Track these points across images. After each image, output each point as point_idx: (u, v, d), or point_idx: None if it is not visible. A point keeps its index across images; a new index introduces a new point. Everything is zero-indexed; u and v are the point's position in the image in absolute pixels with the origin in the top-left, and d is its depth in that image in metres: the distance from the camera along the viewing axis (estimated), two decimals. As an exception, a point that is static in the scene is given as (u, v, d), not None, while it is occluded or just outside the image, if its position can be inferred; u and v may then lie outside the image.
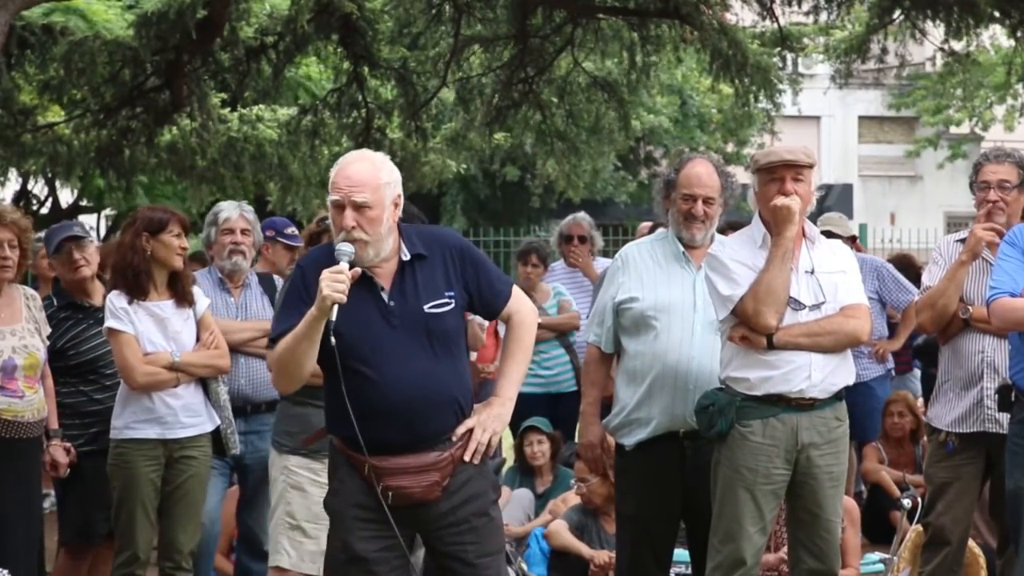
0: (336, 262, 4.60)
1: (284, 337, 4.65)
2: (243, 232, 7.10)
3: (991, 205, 6.18)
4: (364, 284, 4.68)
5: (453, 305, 4.77)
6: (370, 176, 4.69)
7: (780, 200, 5.45)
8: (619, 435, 5.95)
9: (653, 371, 5.80)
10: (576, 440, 9.41)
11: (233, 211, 7.17)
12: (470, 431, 4.76)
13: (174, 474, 6.29)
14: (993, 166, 6.22)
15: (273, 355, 4.72)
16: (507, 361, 4.94)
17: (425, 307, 4.72)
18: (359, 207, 4.65)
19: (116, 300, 6.23)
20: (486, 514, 4.83)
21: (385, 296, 4.68)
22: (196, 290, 6.46)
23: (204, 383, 6.38)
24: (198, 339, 6.37)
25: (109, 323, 6.22)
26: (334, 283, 4.53)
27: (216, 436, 6.42)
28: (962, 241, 6.24)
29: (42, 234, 9.37)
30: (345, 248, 4.61)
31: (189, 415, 6.30)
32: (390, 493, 4.67)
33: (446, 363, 4.77)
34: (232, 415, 6.76)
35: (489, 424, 4.79)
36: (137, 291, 6.24)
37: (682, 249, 5.89)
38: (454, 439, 4.74)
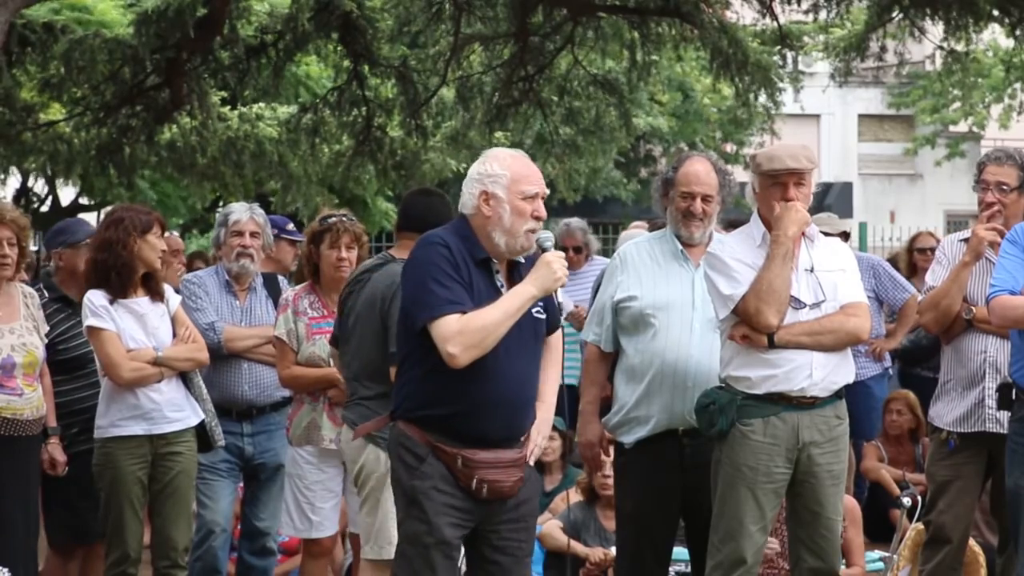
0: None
1: (483, 311, 4.68)
2: (252, 235, 7.07)
3: (990, 208, 6.18)
4: (487, 275, 4.83)
5: (544, 315, 4.96)
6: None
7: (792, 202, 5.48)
8: (618, 433, 5.95)
9: (652, 369, 5.80)
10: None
11: (243, 213, 7.14)
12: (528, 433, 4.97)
13: (161, 472, 6.28)
14: (993, 167, 6.22)
15: (470, 326, 4.66)
16: (550, 370, 5.11)
17: (532, 311, 4.87)
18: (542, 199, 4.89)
19: (95, 298, 6.23)
20: (535, 515, 5.10)
21: (560, 301, 4.87)
22: (166, 286, 6.47)
23: (184, 377, 6.38)
24: (174, 334, 6.36)
25: (90, 321, 6.22)
26: (563, 266, 4.79)
27: (201, 431, 6.40)
28: (965, 240, 6.23)
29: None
30: (550, 234, 4.87)
31: (173, 409, 6.28)
32: (485, 486, 4.79)
33: (539, 367, 5.00)
34: (233, 417, 6.80)
35: (543, 428, 5.02)
36: (119, 290, 6.24)
37: (680, 247, 5.90)
38: (522, 439, 4.93)
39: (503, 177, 4.83)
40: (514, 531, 4.91)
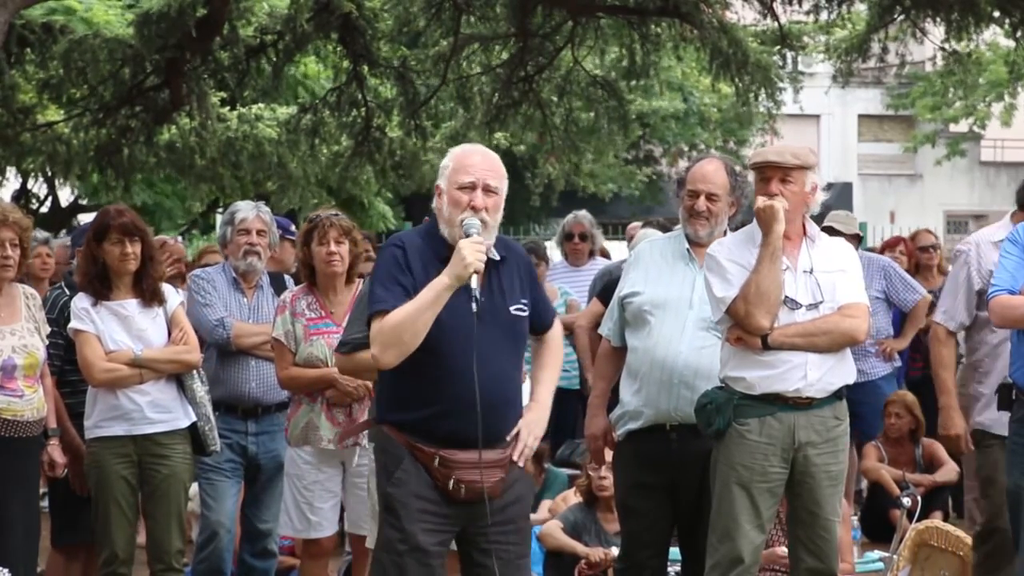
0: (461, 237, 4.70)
1: (398, 308, 4.65)
2: (259, 233, 7.07)
3: None
4: None
5: (527, 312, 4.91)
6: (500, 166, 4.87)
7: (762, 200, 5.47)
8: (617, 427, 6.00)
9: (644, 365, 5.82)
10: (574, 438, 9.47)
11: (250, 212, 7.13)
12: (518, 433, 4.90)
13: (150, 474, 6.28)
14: None
15: (385, 325, 4.67)
16: (545, 370, 5.11)
17: (511, 308, 4.85)
18: (490, 191, 4.79)
19: (78, 301, 6.28)
20: (527, 517, 5.03)
21: (477, 291, 4.71)
22: (167, 287, 6.46)
23: (180, 380, 6.37)
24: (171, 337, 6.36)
25: (72, 324, 6.26)
26: (477, 252, 4.64)
27: (195, 434, 6.39)
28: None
29: (38, 233, 9.35)
30: (475, 221, 4.74)
31: (157, 411, 6.26)
32: (462, 487, 4.76)
33: (518, 365, 4.96)
34: (239, 414, 6.80)
35: (534, 428, 4.94)
36: (97, 293, 6.26)
37: (687, 246, 5.91)
38: (508, 439, 4.87)
39: (447, 168, 4.85)
40: (502, 533, 4.84)
